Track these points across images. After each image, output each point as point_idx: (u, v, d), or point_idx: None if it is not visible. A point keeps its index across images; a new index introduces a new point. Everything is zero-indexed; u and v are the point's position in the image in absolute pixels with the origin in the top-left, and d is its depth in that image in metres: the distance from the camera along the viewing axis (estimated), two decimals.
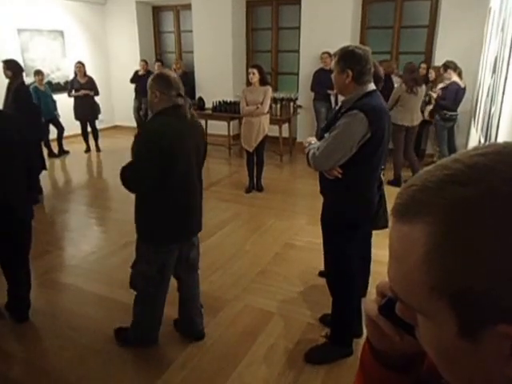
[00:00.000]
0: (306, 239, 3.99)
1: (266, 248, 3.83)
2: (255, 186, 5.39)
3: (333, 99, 6.71)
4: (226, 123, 6.98)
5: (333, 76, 2.14)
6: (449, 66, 5.37)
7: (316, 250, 3.64)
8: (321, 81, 6.61)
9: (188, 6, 8.26)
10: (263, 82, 4.97)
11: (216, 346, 2.55)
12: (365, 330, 2.01)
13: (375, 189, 2.24)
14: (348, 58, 2.04)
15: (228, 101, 7.19)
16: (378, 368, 0.56)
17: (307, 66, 7.13)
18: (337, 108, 2.33)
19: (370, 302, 0.54)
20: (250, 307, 2.93)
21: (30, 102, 4.75)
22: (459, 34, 5.97)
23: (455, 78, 5.39)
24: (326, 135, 2.24)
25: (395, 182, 5.22)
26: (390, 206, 2.82)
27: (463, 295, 0.35)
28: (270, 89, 4.99)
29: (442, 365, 0.41)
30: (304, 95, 7.31)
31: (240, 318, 2.82)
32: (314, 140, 2.34)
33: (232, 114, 6.91)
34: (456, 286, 0.36)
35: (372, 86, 2.11)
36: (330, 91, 6.58)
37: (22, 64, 5.18)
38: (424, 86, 5.36)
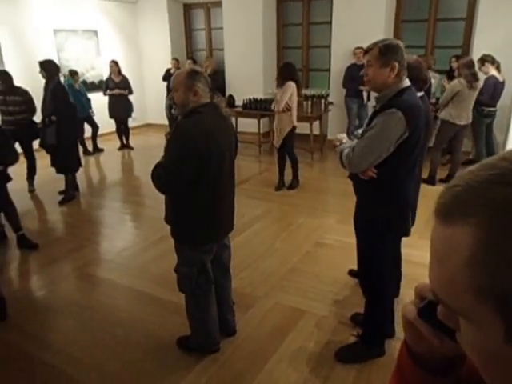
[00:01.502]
0: (336, 238, 3.95)
1: (295, 246, 3.82)
2: (284, 183, 5.39)
3: (365, 95, 6.60)
4: (256, 121, 7.00)
5: (369, 71, 2.01)
6: (486, 59, 5.16)
7: (346, 249, 3.61)
8: (353, 77, 6.50)
9: (219, 4, 8.30)
10: (284, 79, 4.96)
11: (247, 342, 2.57)
12: (397, 331, 1.98)
13: (411, 189, 2.16)
14: (394, 50, 1.94)
15: (258, 98, 7.20)
16: (415, 371, 0.55)
17: (339, 61, 7.03)
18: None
19: (408, 304, 0.53)
20: (280, 305, 2.93)
21: (67, 101, 4.90)
22: (498, 26, 5.72)
23: (493, 71, 5.17)
24: (359, 131, 2.21)
25: (430, 181, 5.07)
26: (421, 204, 2.76)
27: (510, 299, 0.34)
28: (288, 86, 4.92)
29: (486, 370, 0.40)
30: (335, 92, 7.22)
31: (270, 315, 2.83)
32: (345, 138, 2.29)
33: (262, 112, 6.91)
34: (502, 290, 0.35)
35: (407, 82, 2.01)
36: (362, 87, 6.46)
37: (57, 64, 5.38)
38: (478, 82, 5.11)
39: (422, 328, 0.50)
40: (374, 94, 2.22)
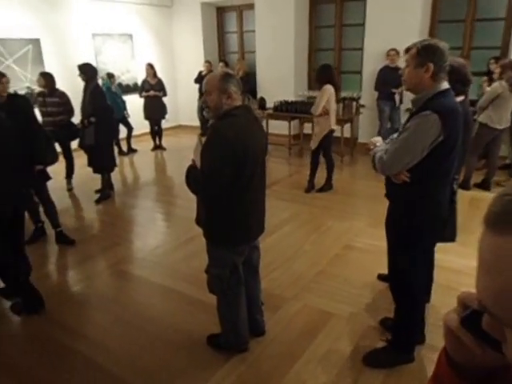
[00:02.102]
0: (366, 241, 3.92)
1: (325, 248, 3.81)
2: (314, 185, 5.38)
3: (397, 98, 6.49)
4: (286, 123, 7.01)
5: (406, 71, 2.00)
6: None
7: (376, 253, 3.58)
8: (386, 79, 6.42)
9: (251, 6, 8.38)
10: (321, 82, 4.96)
11: (275, 342, 2.60)
12: (428, 338, 1.95)
13: (446, 194, 2.11)
14: (431, 51, 1.91)
15: (289, 100, 7.21)
16: (455, 380, 0.54)
17: (371, 63, 6.94)
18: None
19: (450, 312, 0.52)
20: (309, 307, 2.94)
21: (105, 103, 5.09)
22: None
23: None
24: (395, 135, 2.18)
25: (464, 185, 4.94)
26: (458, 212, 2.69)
27: None
28: (325, 89, 4.91)
29: None
30: (367, 94, 7.13)
31: (299, 316, 2.84)
32: (379, 142, 2.27)
33: (293, 114, 6.93)
34: None
35: (446, 85, 1.97)
36: (394, 90, 6.37)
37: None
38: None
39: (465, 337, 0.48)
40: (406, 97, 2.19)
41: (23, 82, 6.76)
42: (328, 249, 3.80)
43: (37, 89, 6.10)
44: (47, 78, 5.07)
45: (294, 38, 7.88)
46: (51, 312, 3.01)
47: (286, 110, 7.06)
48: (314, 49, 8.24)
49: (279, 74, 8.11)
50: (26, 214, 3.67)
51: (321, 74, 4.99)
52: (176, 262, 3.70)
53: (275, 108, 7.19)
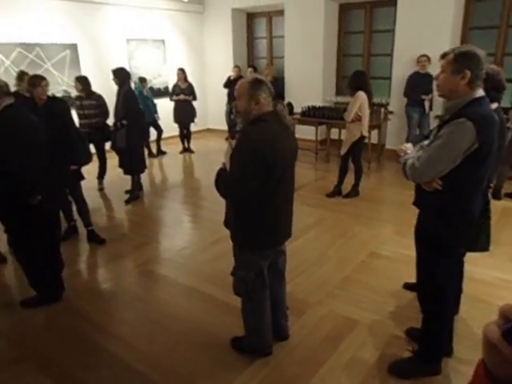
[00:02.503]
0: (392, 249, 3.87)
1: (350, 255, 3.79)
2: (341, 191, 5.37)
3: (427, 105, 6.38)
4: (314, 128, 7.02)
5: (440, 77, 1.97)
6: None
7: (403, 262, 3.54)
8: (415, 85, 6.34)
9: (281, 12, 8.44)
10: (354, 88, 4.95)
11: (299, 347, 2.60)
12: (455, 350, 1.92)
13: (479, 202, 2.07)
14: (468, 58, 1.89)
15: (317, 106, 7.22)
16: None
17: (400, 69, 6.86)
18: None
19: (490, 324, 0.51)
20: (334, 313, 2.93)
21: (137, 106, 5.23)
22: None
23: None
24: (426, 142, 2.16)
25: (495, 195, 4.80)
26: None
27: None
28: (357, 96, 4.89)
29: None
30: (396, 100, 7.05)
31: (323, 322, 2.84)
32: (410, 149, 2.25)
33: (320, 119, 6.93)
34: None
35: (481, 92, 1.94)
36: (424, 96, 6.28)
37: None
38: None
39: (507, 350, 0.48)
40: (436, 104, 2.16)
41: (60, 85, 7.04)
42: (354, 255, 3.78)
43: (73, 92, 6.36)
44: (83, 82, 5.26)
45: (323, 44, 7.88)
46: (81, 308, 3.12)
47: (313, 115, 7.08)
48: (342, 54, 8.21)
49: (307, 79, 8.12)
50: (60, 212, 3.83)
51: (354, 81, 4.97)
52: (202, 263, 3.76)
53: (303, 113, 7.21)
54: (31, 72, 4.76)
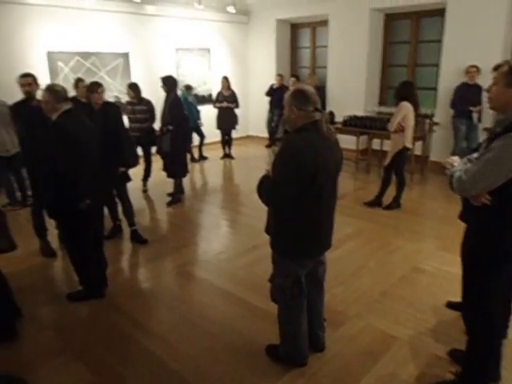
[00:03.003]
0: (435, 265, 3.74)
1: (390, 269, 3.70)
2: (381, 203, 5.27)
3: (475, 116, 6.15)
4: (355, 137, 6.94)
5: (493, 89, 1.92)
6: None
7: (446, 278, 3.42)
8: (463, 96, 6.14)
9: (325, 23, 8.45)
10: (399, 98, 4.87)
11: (335, 360, 2.56)
12: (503, 376, 1.82)
13: None
14: None
15: (358, 115, 7.14)
16: None
17: (447, 80, 6.66)
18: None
19: None
20: (372, 327, 2.87)
21: (183, 113, 5.40)
22: None
23: None
24: (474, 155, 2.09)
25: None
26: None
27: None
28: (402, 106, 4.80)
29: None
30: (442, 111, 6.85)
31: (361, 336, 2.78)
32: (457, 161, 2.19)
33: (362, 129, 6.85)
34: None
35: None
36: (472, 108, 6.06)
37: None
38: None
39: None
40: (485, 116, 2.09)
41: (112, 91, 7.37)
42: (394, 269, 3.69)
43: (123, 98, 6.65)
44: (135, 89, 5.53)
45: (367, 54, 7.81)
46: (122, 305, 3.23)
47: (354, 124, 7.01)
48: (386, 64, 8.09)
49: (350, 88, 8.07)
50: (106, 211, 4.00)
51: (400, 91, 4.91)
52: (239, 268, 3.80)
53: (344, 122, 7.16)
54: (87, 79, 5.04)
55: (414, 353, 2.61)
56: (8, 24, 6.28)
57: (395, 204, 5.22)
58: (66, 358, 2.64)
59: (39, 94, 3.55)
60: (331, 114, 7.45)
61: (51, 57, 6.76)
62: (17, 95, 4.07)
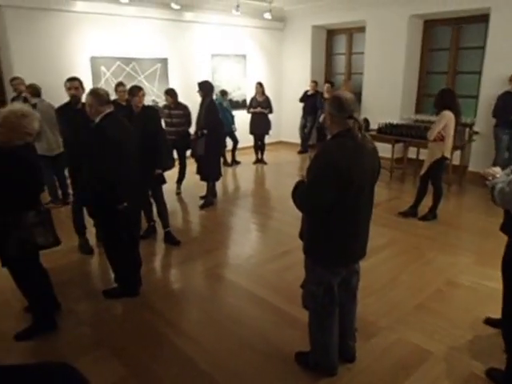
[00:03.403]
0: (472, 279, 3.62)
1: (425, 281, 3.61)
2: (417, 213, 5.15)
3: None
4: (390, 146, 6.82)
5: None
6: None
7: (484, 294, 3.30)
8: (507, 105, 5.94)
9: (362, 29, 8.37)
10: (440, 107, 4.75)
11: (365, 372, 2.52)
12: None
13: None
14: None
15: (394, 123, 7.02)
16: None
17: (490, 88, 6.45)
18: None
19: None
20: (405, 340, 2.80)
21: (218, 118, 5.48)
22: None
23: None
24: None
25: None
26: None
27: None
28: (443, 115, 4.66)
29: None
30: (482, 120, 6.63)
31: (393, 349, 2.72)
32: (499, 172, 2.12)
33: (397, 137, 6.73)
34: None
35: None
36: None
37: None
38: None
39: None
40: None
41: (150, 95, 7.58)
42: (428, 282, 3.59)
43: (160, 102, 6.83)
44: (172, 94, 5.68)
45: (405, 61, 7.69)
46: (155, 304, 3.31)
47: (390, 132, 6.89)
48: (425, 71, 7.91)
49: (386, 95, 7.95)
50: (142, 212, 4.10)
51: (441, 99, 4.75)
52: (270, 272, 3.80)
53: (379, 130, 7.05)
54: (127, 83, 5.22)
55: (449, 370, 2.53)
56: (57, 30, 6.60)
57: (431, 215, 5.08)
58: (101, 352, 2.73)
59: (84, 98, 3.71)
60: (366, 120, 7.35)
61: (94, 62, 7.05)
62: (63, 98, 4.26)
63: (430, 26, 7.67)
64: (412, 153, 7.08)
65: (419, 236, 4.64)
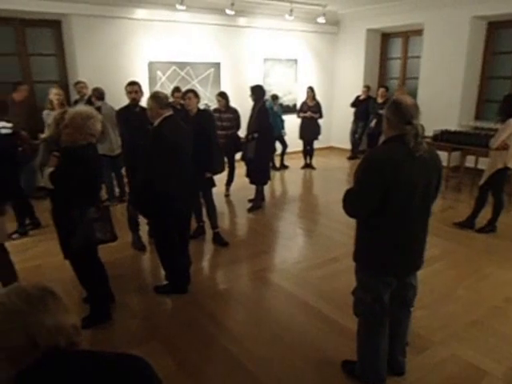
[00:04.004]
0: None
1: (482, 297, 3.42)
2: (474, 225, 4.89)
3: None
4: (446, 153, 6.54)
5: None
6: None
7: None
8: None
9: (419, 32, 8.11)
10: (505, 114, 4.48)
11: None
12: None
13: None
14: None
15: (451, 130, 6.73)
16: None
17: None
18: None
19: None
20: (458, 357, 2.67)
21: (268, 122, 5.53)
22: None
23: None
24: None
25: None
26: None
27: None
28: (508, 124, 4.39)
29: None
30: None
31: (445, 365, 2.61)
32: None
33: (454, 145, 6.44)
34: None
35: None
36: None
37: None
38: None
39: None
40: None
41: (203, 99, 7.77)
42: (485, 298, 3.40)
43: (211, 105, 6.99)
44: (225, 97, 5.79)
45: (465, 64, 7.35)
46: (203, 303, 3.39)
47: (446, 139, 6.60)
48: (487, 76, 7.52)
49: (443, 101, 7.63)
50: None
51: (505, 106, 4.50)
52: (317, 279, 3.77)
53: (435, 137, 6.77)
54: (181, 87, 5.39)
55: None
56: (118, 37, 6.97)
57: (490, 227, 4.81)
58: (152, 345, 2.83)
59: (143, 101, 3.88)
60: (421, 127, 7.09)
61: (151, 66, 7.36)
62: (122, 101, 4.48)
63: (495, 28, 7.28)
64: (470, 161, 6.74)
65: (476, 249, 4.41)
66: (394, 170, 1.99)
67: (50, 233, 3.67)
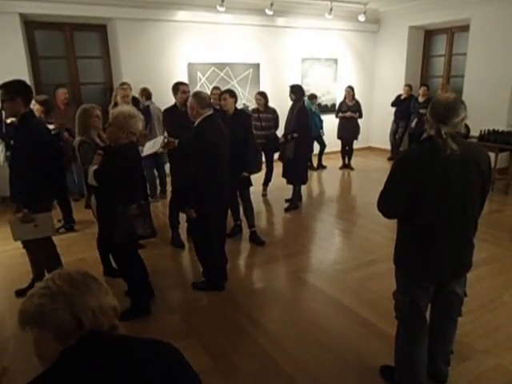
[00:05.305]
0: None
1: None
2: None
3: None
4: (493, 154, 6.23)
5: None
6: None
7: None
8: None
9: (465, 28, 7.80)
10: None
11: None
12: None
13: None
14: None
15: (500, 130, 6.41)
16: None
17: None
18: None
19: None
20: (505, 368, 2.54)
21: (308, 121, 5.49)
22: None
23: None
24: None
25: None
26: None
27: None
28: None
29: None
30: None
31: (490, 375, 2.49)
32: None
33: (502, 145, 6.13)
34: None
35: None
36: None
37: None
38: None
39: None
40: None
41: (241, 99, 7.86)
42: None
43: (250, 106, 7.03)
44: (264, 97, 5.81)
45: None
46: (239, 300, 3.42)
47: (494, 140, 6.30)
48: None
49: (490, 100, 7.29)
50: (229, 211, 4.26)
51: None
52: (355, 281, 3.71)
53: (481, 137, 6.49)
54: (221, 87, 5.45)
55: None
56: (159, 39, 7.16)
57: None
58: (190, 341, 2.89)
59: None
60: (466, 127, 6.80)
61: (191, 67, 7.50)
62: (165, 101, 4.58)
63: None
64: None
65: None
66: (422, 170, 1.95)
67: (95, 228, 3.83)
